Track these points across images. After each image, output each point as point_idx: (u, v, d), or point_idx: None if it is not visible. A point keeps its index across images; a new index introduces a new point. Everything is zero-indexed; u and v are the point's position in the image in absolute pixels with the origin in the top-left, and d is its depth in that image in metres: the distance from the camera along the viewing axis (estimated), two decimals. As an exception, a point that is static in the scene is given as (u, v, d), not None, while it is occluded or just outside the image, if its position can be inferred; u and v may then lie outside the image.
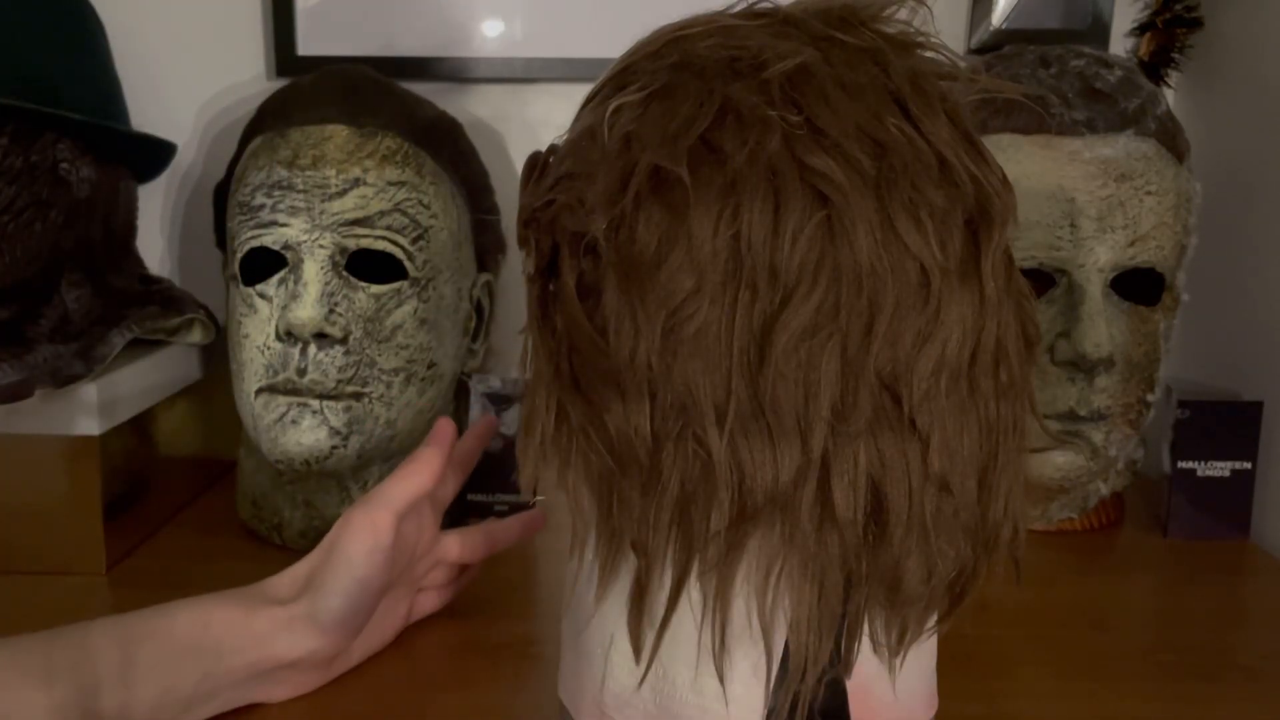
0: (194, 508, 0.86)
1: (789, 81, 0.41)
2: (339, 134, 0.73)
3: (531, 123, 0.97)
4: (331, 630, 0.56)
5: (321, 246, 0.71)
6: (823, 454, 0.39)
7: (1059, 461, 0.75)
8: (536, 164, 0.47)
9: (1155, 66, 0.90)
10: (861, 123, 0.40)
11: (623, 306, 0.41)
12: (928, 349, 0.40)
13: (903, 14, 0.44)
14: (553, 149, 0.47)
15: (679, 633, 0.44)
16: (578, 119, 0.47)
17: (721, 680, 0.43)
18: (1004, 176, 0.43)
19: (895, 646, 0.43)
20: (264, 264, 0.73)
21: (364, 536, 0.57)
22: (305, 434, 0.71)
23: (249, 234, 0.73)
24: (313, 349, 0.71)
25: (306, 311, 0.69)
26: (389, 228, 0.72)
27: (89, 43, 0.80)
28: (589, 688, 0.48)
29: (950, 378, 0.40)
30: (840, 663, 0.43)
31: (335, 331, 0.70)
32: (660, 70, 0.43)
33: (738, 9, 0.46)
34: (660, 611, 0.43)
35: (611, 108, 0.43)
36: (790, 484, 0.39)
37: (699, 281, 0.39)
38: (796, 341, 0.39)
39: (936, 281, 0.40)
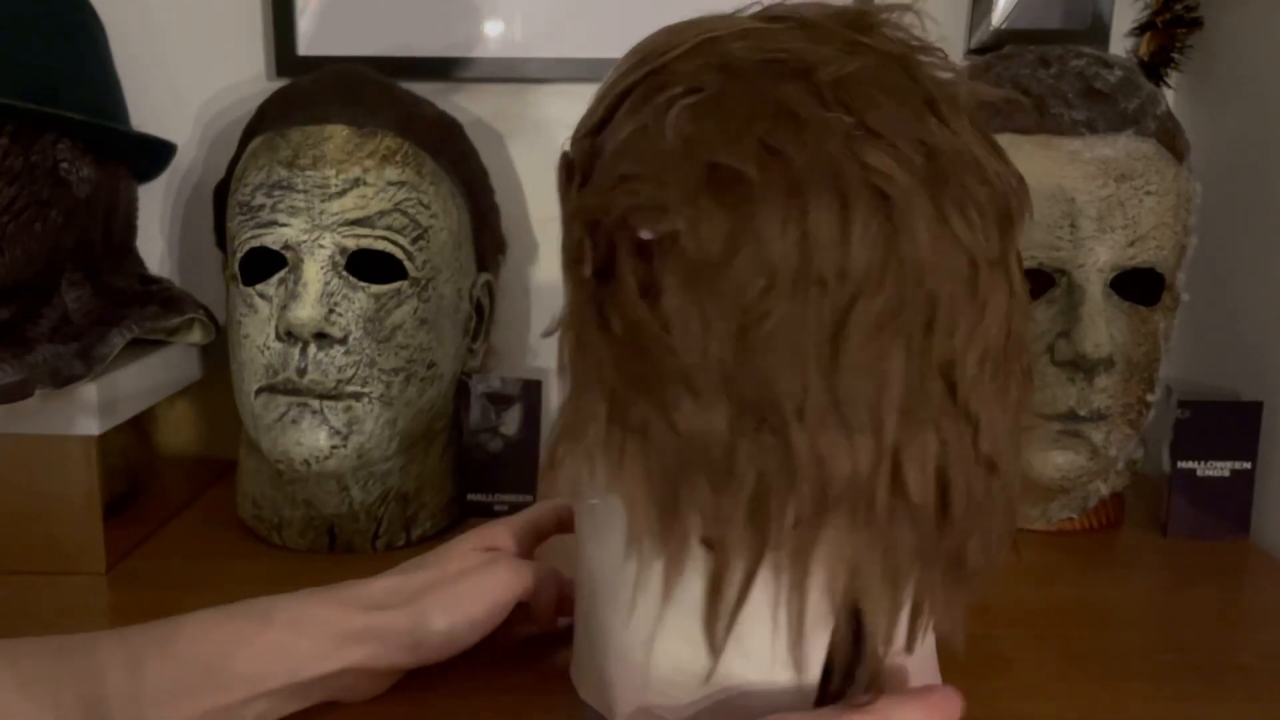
0: (194, 508, 0.86)
1: (839, 84, 0.42)
2: (339, 134, 0.73)
3: (532, 123, 0.97)
4: (426, 655, 0.55)
5: (321, 246, 0.71)
6: (894, 443, 0.41)
7: (1059, 461, 0.75)
8: (571, 167, 0.47)
9: (1155, 67, 0.90)
10: (908, 124, 0.42)
11: (688, 306, 0.42)
12: (976, 337, 0.42)
13: (904, 17, 0.46)
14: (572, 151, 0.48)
15: (750, 623, 0.45)
16: (618, 121, 0.46)
17: (796, 666, 0.45)
18: (1019, 174, 0.45)
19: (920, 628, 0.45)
20: (264, 264, 0.73)
21: (510, 592, 0.56)
22: (305, 434, 0.71)
23: (249, 234, 0.73)
24: (312, 349, 0.71)
25: (306, 311, 0.69)
26: (389, 228, 0.72)
27: (89, 43, 0.80)
28: (627, 685, 0.48)
29: (993, 364, 0.43)
30: (906, 645, 0.45)
31: (335, 331, 0.70)
32: (702, 71, 0.44)
33: (750, 11, 0.47)
34: (731, 604, 0.44)
35: (676, 109, 0.43)
36: (867, 473, 0.41)
37: (771, 280, 0.41)
38: (867, 336, 0.41)
39: (984, 273, 0.42)
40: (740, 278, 0.41)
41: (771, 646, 0.46)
